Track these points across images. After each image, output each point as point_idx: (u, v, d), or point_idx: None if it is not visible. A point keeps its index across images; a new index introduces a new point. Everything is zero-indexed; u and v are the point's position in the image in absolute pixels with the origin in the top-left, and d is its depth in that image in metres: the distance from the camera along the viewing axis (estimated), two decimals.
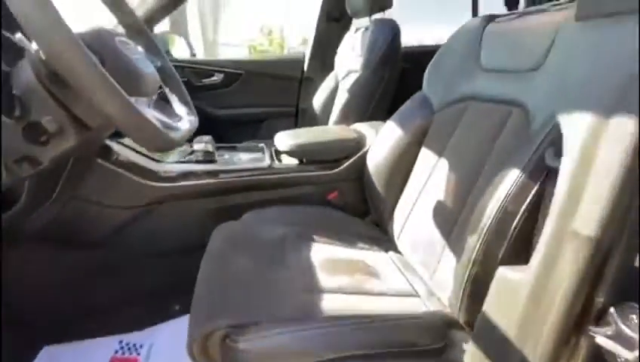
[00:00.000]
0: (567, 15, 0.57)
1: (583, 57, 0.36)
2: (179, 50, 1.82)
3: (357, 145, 1.02)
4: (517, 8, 0.75)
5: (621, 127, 0.25)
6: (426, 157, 0.85)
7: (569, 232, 0.28)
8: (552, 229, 0.30)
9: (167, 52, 1.68)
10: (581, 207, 0.27)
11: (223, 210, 0.96)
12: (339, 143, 1.01)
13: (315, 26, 1.73)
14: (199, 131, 1.76)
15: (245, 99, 1.79)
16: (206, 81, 1.73)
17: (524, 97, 0.62)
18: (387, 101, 1.30)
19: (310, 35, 1.76)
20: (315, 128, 1.27)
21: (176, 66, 1.66)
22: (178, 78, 0.70)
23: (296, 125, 1.88)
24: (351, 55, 1.49)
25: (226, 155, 1.05)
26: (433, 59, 0.89)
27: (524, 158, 0.50)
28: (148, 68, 0.52)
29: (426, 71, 0.90)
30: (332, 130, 1.12)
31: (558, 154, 0.42)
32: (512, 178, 0.50)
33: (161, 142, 0.45)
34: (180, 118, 0.60)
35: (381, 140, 0.94)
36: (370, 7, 1.29)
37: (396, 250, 0.87)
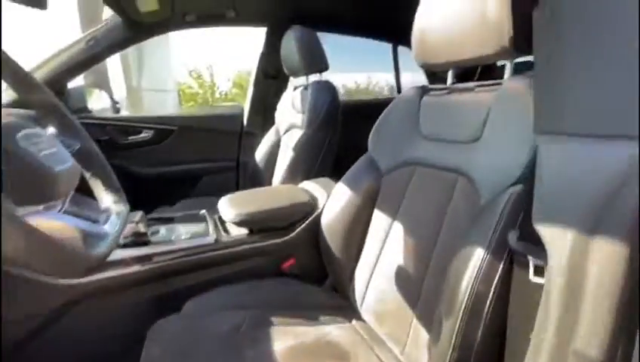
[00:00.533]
0: (494, 96, 0.64)
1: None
2: (99, 104, 1.64)
3: (310, 207, 0.98)
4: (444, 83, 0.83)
5: (608, 247, 0.26)
6: (379, 219, 0.85)
7: (570, 352, 0.28)
8: (553, 346, 0.30)
9: (85, 108, 1.50)
10: (579, 327, 0.27)
11: (161, 298, 0.81)
12: (292, 208, 0.96)
13: (252, 82, 1.74)
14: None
15: (180, 155, 1.66)
16: (133, 138, 1.57)
17: (467, 167, 0.66)
18: (331, 158, 1.31)
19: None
20: (262, 190, 1.21)
21: (98, 125, 1.51)
22: (102, 158, 0.59)
23: (237, 180, 1.80)
24: (291, 112, 1.51)
25: (162, 230, 0.92)
26: (376, 125, 0.92)
27: (484, 236, 0.51)
28: (62, 163, 0.42)
29: (370, 135, 0.93)
30: (282, 192, 1.07)
31: (522, 238, 0.44)
32: (477, 257, 0.50)
33: (83, 265, 0.35)
34: (106, 215, 0.50)
35: (333, 202, 0.93)
36: (307, 70, 1.33)
37: (360, 318, 0.82)
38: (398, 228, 0.79)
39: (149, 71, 5.35)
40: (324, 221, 0.92)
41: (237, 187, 1.80)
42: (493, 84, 0.68)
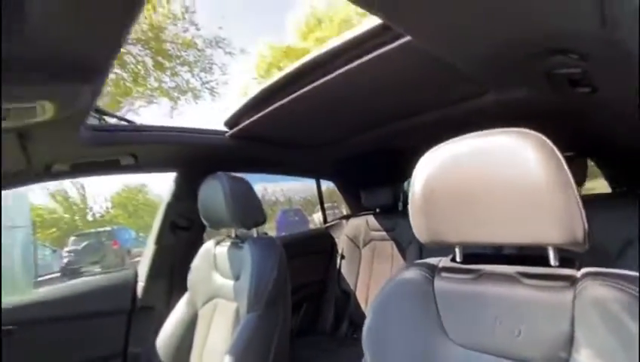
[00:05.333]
0: (573, 300, 0.46)
1: None
2: None
3: None
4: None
5: None
6: None
7: None
8: None
9: None
10: None
11: None
12: None
13: (152, 238, 1.30)
14: None
15: None
16: None
17: None
18: (287, 347, 0.93)
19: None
20: None
21: None
22: None
23: None
24: (214, 276, 1.12)
25: None
26: (370, 321, 0.65)
27: None
28: None
29: (364, 334, 0.64)
30: None
31: None
32: None
33: None
34: None
35: None
36: (240, 224, 1.03)
37: None
38: None
39: None
40: None
41: None
42: (545, 276, 0.51)
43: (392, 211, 1.81)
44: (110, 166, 1.09)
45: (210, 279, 1.13)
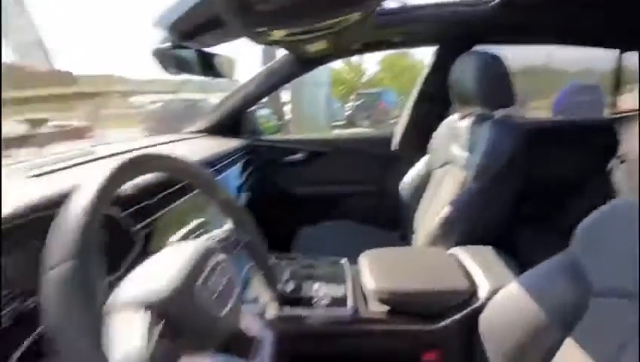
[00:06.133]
0: None
1: None
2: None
3: (467, 295, 0.81)
4: None
5: None
6: (577, 354, 0.60)
7: None
8: None
9: (257, 130, 1.73)
10: None
11: None
12: (446, 296, 0.81)
13: (410, 104, 1.58)
14: (278, 212, 1.69)
15: (328, 177, 1.72)
16: (290, 158, 1.72)
17: None
18: (500, 221, 1.06)
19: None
20: (411, 255, 1.04)
21: (264, 146, 1.71)
22: (264, 253, 0.61)
23: (378, 205, 1.74)
24: (452, 145, 1.29)
25: (291, 285, 0.83)
26: (589, 223, 0.65)
27: None
28: (227, 302, 0.43)
29: (579, 230, 0.67)
30: (435, 266, 0.90)
31: None
32: None
33: None
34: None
35: (502, 308, 0.72)
36: (485, 104, 1.08)
37: None
38: None
39: None
40: (485, 327, 0.74)
41: (376, 214, 1.74)
42: None
43: None
44: (387, 43, 1.36)
45: (448, 147, 1.31)
